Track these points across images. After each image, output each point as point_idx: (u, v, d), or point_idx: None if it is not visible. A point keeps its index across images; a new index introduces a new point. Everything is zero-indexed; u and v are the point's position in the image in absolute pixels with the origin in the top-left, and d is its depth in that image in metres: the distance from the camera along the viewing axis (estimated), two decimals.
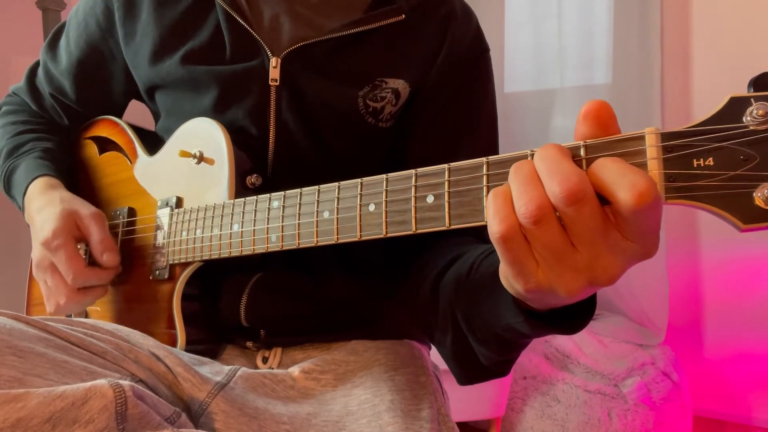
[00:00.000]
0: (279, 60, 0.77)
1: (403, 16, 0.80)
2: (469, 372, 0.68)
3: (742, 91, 0.40)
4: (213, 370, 0.68)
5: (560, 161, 0.42)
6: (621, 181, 0.39)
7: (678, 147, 0.40)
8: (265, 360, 0.80)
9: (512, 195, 0.43)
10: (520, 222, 0.42)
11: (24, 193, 0.86)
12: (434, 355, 0.92)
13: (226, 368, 0.69)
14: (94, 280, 0.78)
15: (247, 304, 0.78)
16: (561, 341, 1.94)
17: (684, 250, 2.13)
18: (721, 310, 2.11)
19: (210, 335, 0.79)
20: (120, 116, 0.99)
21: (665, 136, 0.41)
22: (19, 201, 0.88)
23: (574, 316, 0.51)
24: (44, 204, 0.81)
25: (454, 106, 0.83)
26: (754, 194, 0.38)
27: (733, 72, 1.93)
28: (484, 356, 0.63)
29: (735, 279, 2.06)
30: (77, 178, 0.95)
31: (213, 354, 0.78)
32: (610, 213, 0.41)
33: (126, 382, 0.48)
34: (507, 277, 0.47)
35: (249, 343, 0.81)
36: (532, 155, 0.45)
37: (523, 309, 0.52)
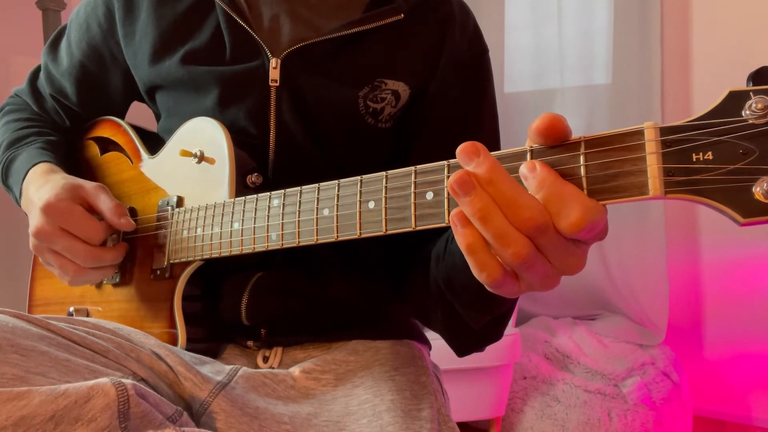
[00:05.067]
0: (279, 61, 0.78)
1: (402, 15, 0.80)
2: (463, 341, 0.71)
3: None
4: (214, 369, 0.69)
5: (519, 197, 0.44)
6: (560, 211, 0.43)
7: (677, 141, 0.40)
8: (265, 359, 0.80)
9: (492, 245, 0.45)
10: (510, 268, 0.46)
11: (23, 179, 0.84)
12: (434, 355, 0.92)
13: (227, 368, 0.70)
14: (111, 237, 0.77)
15: (248, 304, 0.78)
16: (561, 341, 1.95)
17: (684, 250, 2.14)
18: (721, 310, 2.11)
19: (211, 334, 0.79)
20: (121, 118, 1.00)
21: (664, 131, 0.41)
22: (17, 189, 0.86)
23: None
24: (44, 182, 0.79)
25: (456, 110, 0.83)
26: (753, 188, 0.38)
27: (733, 72, 1.93)
28: (472, 319, 0.66)
29: (735, 279, 2.06)
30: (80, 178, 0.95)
31: (214, 353, 0.78)
32: None
33: (128, 381, 0.48)
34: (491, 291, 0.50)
35: (250, 343, 0.81)
36: (531, 152, 0.46)
37: None
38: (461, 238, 0.46)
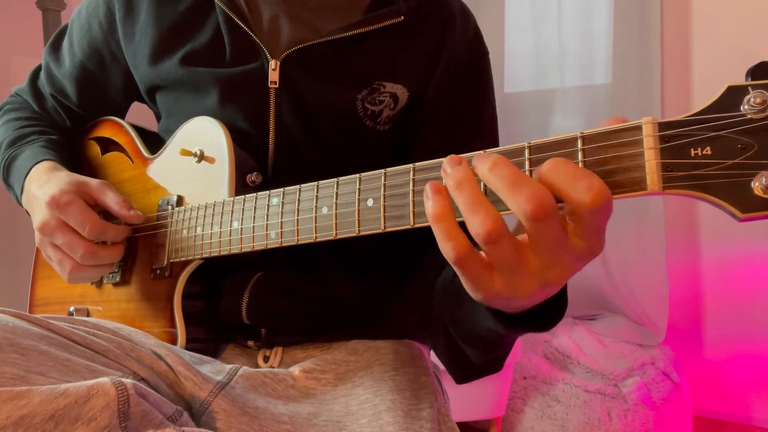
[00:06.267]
0: (278, 62, 0.78)
1: (402, 18, 0.80)
2: (463, 371, 0.70)
3: None
4: (214, 369, 0.69)
5: (520, 178, 0.42)
6: (577, 185, 0.40)
7: (675, 136, 0.40)
8: (266, 359, 0.80)
9: (462, 213, 0.44)
10: (475, 240, 0.43)
11: (25, 176, 0.84)
12: (434, 355, 0.92)
13: (227, 367, 0.70)
14: (111, 234, 0.76)
15: (248, 303, 0.78)
16: (561, 341, 1.94)
17: (684, 250, 2.14)
18: (721, 310, 2.11)
19: (211, 334, 0.79)
20: (122, 118, 1.00)
21: (662, 126, 0.41)
22: (18, 186, 0.86)
23: (545, 315, 0.52)
24: (48, 179, 0.79)
25: (456, 112, 0.83)
26: (752, 183, 0.38)
27: (733, 72, 1.93)
28: (473, 356, 0.65)
29: (735, 279, 2.06)
30: None
31: (213, 353, 0.78)
32: (567, 216, 0.43)
33: (128, 381, 0.48)
34: (468, 288, 0.48)
35: (250, 342, 0.81)
36: (529, 148, 0.46)
37: (494, 312, 0.53)
38: (429, 207, 0.45)
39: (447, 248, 0.44)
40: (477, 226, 0.42)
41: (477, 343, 0.62)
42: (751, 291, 2.02)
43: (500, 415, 1.84)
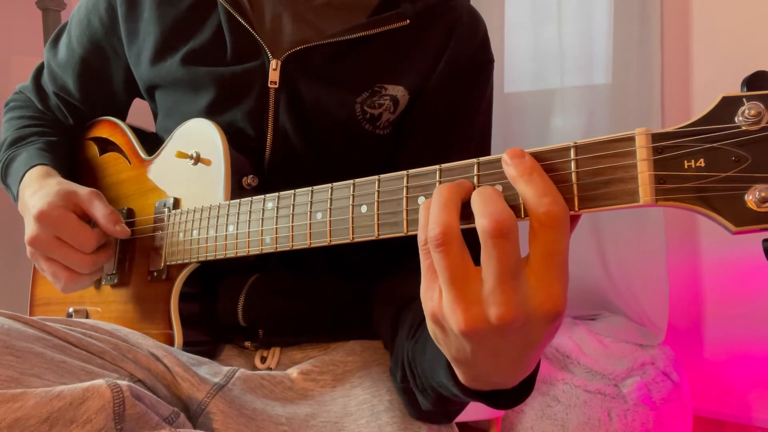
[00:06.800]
0: (279, 62, 0.77)
1: (408, 21, 0.79)
2: (414, 410, 0.69)
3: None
4: (211, 370, 0.69)
5: (496, 199, 0.42)
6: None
7: (669, 148, 0.40)
8: (263, 360, 0.80)
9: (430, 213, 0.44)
10: (428, 244, 0.44)
11: (20, 180, 0.84)
12: None
13: (225, 369, 0.69)
14: (103, 242, 0.77)
15: (244, 305, 0.78)
16: (561, 341, 1.94)
17: (684, 250, 2.13)
18: (721, 310, 2.10)
19: (208, 336, 0.79)
20: (124, 114, 1.00)
21: (656, 137, 0.40)
22: (14, 189, 0.87)
23: (506, 396, 0.52)
24: (39, 188, 0.79)
25: (448, 117, 0.82)
26: (745, 196, 0.37)
27: (734, 73, 1.92)
28: (422, 404, 0.65)
29: (735, 279, 2.05)
30: (79, 178, 0.94)
31: (211, 354, 0.78)
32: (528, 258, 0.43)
33: (124, 383, 0.48)
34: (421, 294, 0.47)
35: (247, 343, 0.81)
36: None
37: (454, 375, 0.52)
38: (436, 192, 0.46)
39: (429, 229, 0.44)
40: (433, 229, 0.43)
41: (429, 393, 0.62)
42: (751, 291, 2.02)
43: (500, 415, 1.84)
